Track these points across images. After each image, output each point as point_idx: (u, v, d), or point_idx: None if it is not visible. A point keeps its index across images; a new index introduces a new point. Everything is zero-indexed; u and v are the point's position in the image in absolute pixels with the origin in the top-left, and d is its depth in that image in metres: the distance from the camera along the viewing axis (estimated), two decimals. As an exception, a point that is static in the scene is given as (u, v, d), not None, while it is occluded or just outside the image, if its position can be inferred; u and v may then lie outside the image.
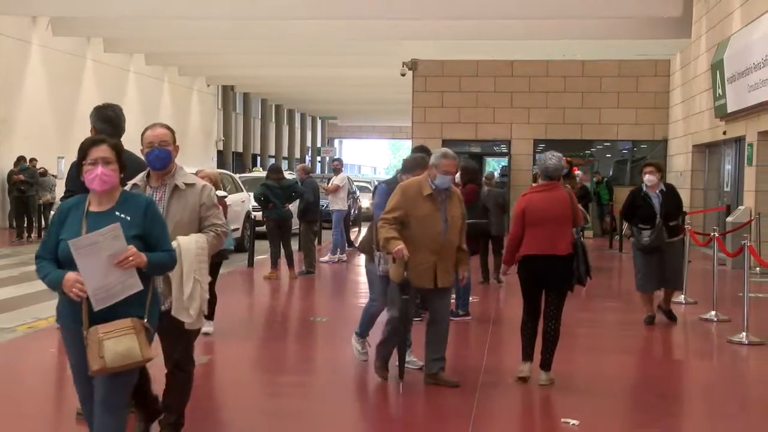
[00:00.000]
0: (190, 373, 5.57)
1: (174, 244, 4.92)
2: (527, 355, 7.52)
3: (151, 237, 4.50)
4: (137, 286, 4.37)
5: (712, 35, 19.88)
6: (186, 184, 5.29)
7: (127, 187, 5.14)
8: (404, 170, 8.00)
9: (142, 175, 5.36)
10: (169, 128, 5.40)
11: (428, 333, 7.40)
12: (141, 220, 4.48)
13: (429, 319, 7.52)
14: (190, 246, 5.12)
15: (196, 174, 8.71)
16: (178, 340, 5.33)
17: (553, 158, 7.51)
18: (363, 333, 8.21)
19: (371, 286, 8.10)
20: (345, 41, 26.21)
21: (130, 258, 4.31)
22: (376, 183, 11.92)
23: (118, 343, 4.30)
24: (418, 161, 7.87)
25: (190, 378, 5.61)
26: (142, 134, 5.32)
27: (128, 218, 4.45)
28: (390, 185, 7.87)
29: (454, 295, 10.75)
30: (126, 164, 4.70)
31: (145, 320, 4.46)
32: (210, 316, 9.01)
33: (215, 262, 8.68)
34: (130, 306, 4.39)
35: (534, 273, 7.38)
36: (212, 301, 8.96)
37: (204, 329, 8.46)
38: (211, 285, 8.72)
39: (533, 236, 7.32)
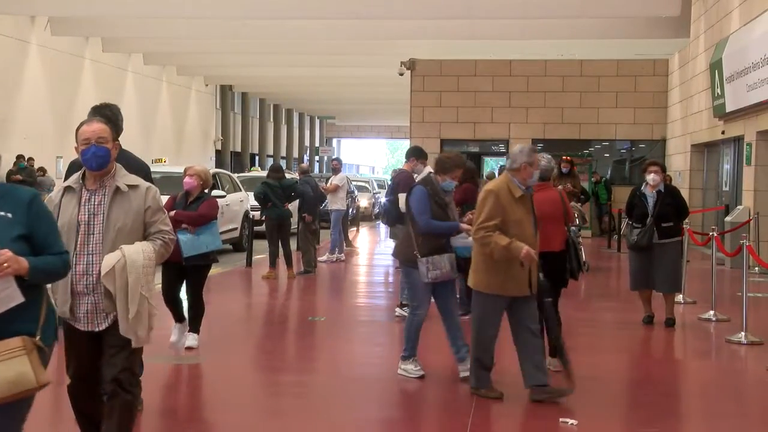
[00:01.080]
0: (134, 396, 4.78)
1: (117, 254, 4.53)
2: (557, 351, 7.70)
3: (37, 237, 3.83)
4: (16, 298, 3.67)
5: (710, 35, 19.88)
6: (129, 186, 4.75)
7: (57, 190, 4.75)
8: (442, 170, 7.52)
9: (76, 176, 4.79)
10: (107, 123, 4.85)
11: (520, 344, 6.90)
12: (24, 218, 3.80)
13: (518, 329, 6.88)
14: (136, 257, 4.56)
15: (185, 171, 8.54)
16: (121, 355, 4.67)
17: (543, 159, 7.76)
18: (412, 352, 7.62)
19: (414, 294, 7.62)
20: (343, 41, 26.20)
21: (4, 264, 3.61)
22: (391, 182, 11.60)
23: (6, 368, 3.65)
24: (456, 161, 7.55)
25: (134, 402, 4.80)
26: (77, 130, 4.77)
27: (9, 215, 3.77)
28: (428, 186, 7.47)
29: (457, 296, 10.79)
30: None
31: (38, 338, 3.80)
32: (195, 329, 8.59)
33: (202, 265, 8.44)
34: (17, 322, 3.73)
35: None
36: (199, 313, 8.59)
37: (188, 342, 8.38)
38: (198, 294, 8.54)
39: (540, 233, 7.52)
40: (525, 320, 6.82)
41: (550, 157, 7.97)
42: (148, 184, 4.88)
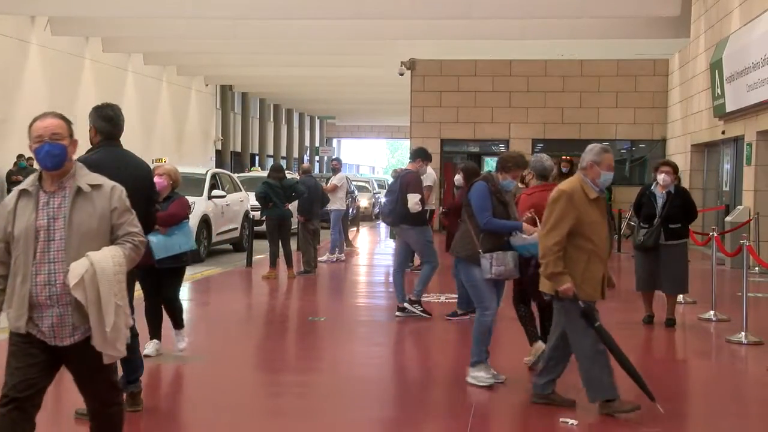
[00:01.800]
0: (119, 405, 4.61)
1: (84, 263, 4.16)
2: (535, 337, 7.85)
3: None
4: None
5: (710, 35, 19.88)
6: (91, 186, 4.35)
7: (12, 194, 4.38)
8: (504, 169, 7.38)
9: (32, 178, 4.41)
10: (63, 118, 4.42)
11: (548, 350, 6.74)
12: None
13: (558, 335, 6.72)
14: (105, 264, 4.19)
15: (153, 171, 8.02)
16: (98, 374, 4.37)
17: (548, 160, 7.93)
18: (483, 357, 7.32)
19: (478, 294, 7.29)
20: (343, 41, 26.20)
21: None
22: (394, 181, 11.46)
23: None
24: (518, 161, 7.42)
25: (121, 410, 4.64)
26: (30, 126, 4.40)
27: None
28: (489, 182, 7.31)
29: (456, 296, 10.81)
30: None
31: None
32: (179, 324, 8.37)
33: (176, 267, 8.11)
34: None
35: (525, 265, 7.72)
36: (176, 314, 8.31)
37: (179, 345, 8.24)
38: (174, 297, 8.26)
39: None
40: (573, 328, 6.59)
41: (548, 157, 8.06)
42: (113, 183, 4.48)
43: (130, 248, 4.35)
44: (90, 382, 4.40)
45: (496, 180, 7.38)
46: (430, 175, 14.25)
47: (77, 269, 4.15)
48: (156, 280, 8.05)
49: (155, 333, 8.23)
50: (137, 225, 4.46)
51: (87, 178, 4.40)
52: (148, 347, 8.11)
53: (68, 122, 4.41)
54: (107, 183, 4.43)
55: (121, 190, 4.44)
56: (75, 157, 4.50)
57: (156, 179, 7.85)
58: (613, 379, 6.47)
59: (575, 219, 6.36)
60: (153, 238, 7.64)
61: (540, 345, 7.78)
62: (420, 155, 10.98)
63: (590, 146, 6.71)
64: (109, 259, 4.21)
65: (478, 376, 7.26)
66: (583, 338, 6.51)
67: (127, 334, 4.30)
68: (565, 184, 6.59)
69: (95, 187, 4.37)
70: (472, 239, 7.19)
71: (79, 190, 4.33)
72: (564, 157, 17.94)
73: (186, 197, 8.46)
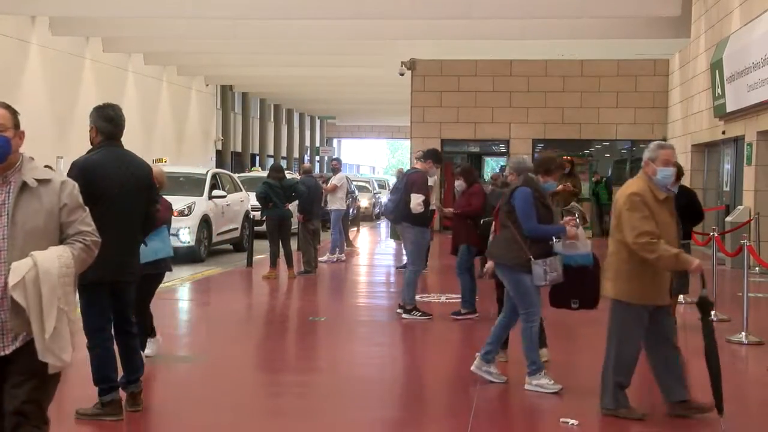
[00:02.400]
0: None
1: (28, 262, 3.80)
2: (542, 344, 7.80)
3: None
4: None
5: (711, 35, 19.88)
6: (38, 181, 3.98)
7: None
8: (546, 172, 7.28)
9: None
10: (8, 107, 4.10)
11: (659, 357, 6.51)
12: None
13: (656, 341, 6.52)
14: (50, 265, 3.83)
15: None
16: (28, 384, 3.93)
17: (529, 161, 8.01)
18: (540, 364, 7.20)
19: (526, 300, 7.10)
20: (344, 41, 26.19)
21: None
22: (400, 179, 11.43)
23: None
24: (560, 162, 7.35)
25: None
26: None
27: None
28: (533, 187, 7.14)
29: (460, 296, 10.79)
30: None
31: None
32: (151, 333, 8.06)
33: (153, 274, 7.67)
34: None
35: None
36: (145, 323, 7.84)
37: (146, 351, 7.76)
38: (144, 305, 7.75)
39: None
40: (666, 332, 6.48)
41: (528, 158, 8.19)
42: (63, 177, 4.11)
43: (80, 248, 3.99)
44: (15, 394, 3.91)
45: (538, 182, 7.23)
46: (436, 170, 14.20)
47: (19, 269, 3.81)
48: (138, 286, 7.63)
49: (148, 332, 8.01)
50: (90, 223, 4.08)
51: (34, 172, 4.02)
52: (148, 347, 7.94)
53: (14, 112, 4.10)
54: (57, 178, 4.06)
55: (72, 186, 4.07)
56: (76, 157, 4.39)
57: None
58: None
59: (654, 220, 6.21)
60: None
61: (544, 352, 7.78)
62: (431, 157, 10.88)
63: (651, 144, 6.63)
64: (55, 260, 3.86)
65: (541, 383, 7.09)
66: (629, 345, 6.44)
67: (72, 343, 3.91)
68: (634, 187, 6.41)
69: (43, 182, 3.99)
70: (521, 246, 7.00)
71: (24, 185, 3.95)
72: (564, 157, 17.96)
73: (167, 199, 8.10)
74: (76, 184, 4.13)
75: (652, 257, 6.12)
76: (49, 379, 3.98)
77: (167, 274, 8.23)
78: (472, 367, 7.35)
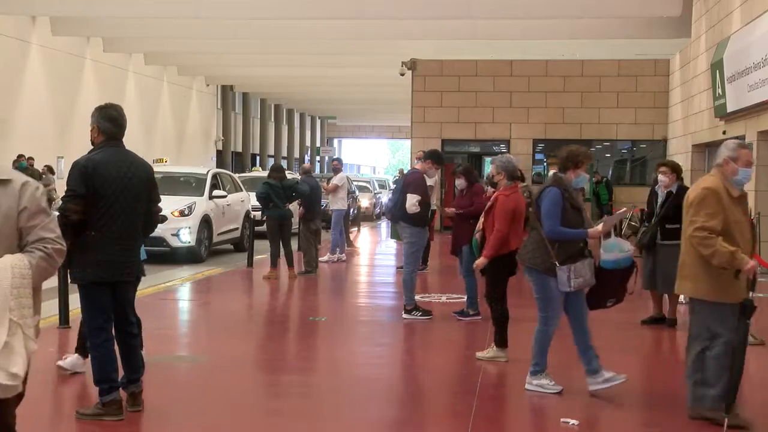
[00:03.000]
0: None
1: None
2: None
3: None
4: None
5: (711, 35, 19.88)
6: None
7: None
8: (574, 165, 7.02)
9: None
10: None
11: (708, 359, 6.34)
12: None
13: (722, 342, 6.33)
14: (2, 276, 3.56)
15: None
16: None
17: (516, 161, 8.18)
18: (545, 366, 7.12)
19: (547, 305, 6.97)
20: (344, 41, 26.22)
21: None
22: (400, 179, 11.40)
23: None
24: (587, 153, 7.05)
25: None
26: None
27: None
28: (562, 187, 6.91)
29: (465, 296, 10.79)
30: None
31: None
32: (83, 352, 7.30)
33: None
34: None
35: (511, 266, 8.12)
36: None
37: (61, 361, 7.30)
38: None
39: (516, 233, 8.13)
40: (733, 333, 6.28)
41: (514, 157, 8.34)
42: (25, 178, 3.78)
43: (40, 257, 3.66)
44: None
45: (567, 182, 6.99)
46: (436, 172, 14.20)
47: None
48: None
49: (82, 348, 7.34)
50: (53, 229, 3.76)
51: None
52: (67, 360, 7.44)
53: None
54: (18, 179, 3.74)
55: (35, 188, 3.76)
56: (77, 156, 4.19)
57: None
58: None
59: (722, 217, 6.10)
60: None
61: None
62: (431, 157, 10.85)
63: (726, 142, 6.50)
64: (8, 269, 3.56)
65: (542, 383, 7.05)
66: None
67: (24, 357, 3.62)
68: (708, 182, 6.27)
69: (2, 182, 3.70)
70: (548, 249, 6.82)
71: None
72: None
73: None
74: (41, 186, 3.83)
75: (707, 252, 6.05)
76: (7, 401, 3.68)
77: (166, 274, 8.21)
78: (526, 385, 7.16)
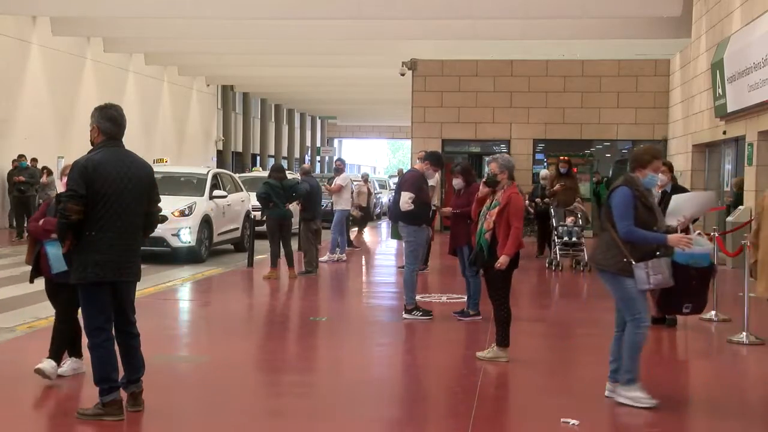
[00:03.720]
0: None
1: None
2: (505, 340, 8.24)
3: None
4: None
5: (711, 35, 19.88)
6: None
7: None
8: (641, 165, 6.83)
9: None
10: None
11: None
12: None
13: None
14: None
15: (62, 172, 7.10)
16: None
17: (512, 159, 8.39)
18: (638, 373, 6.76)
19: (631, 306, 6.71)
20: (344, 41, 26.22)
21: None
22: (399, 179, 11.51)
23: None
24: (653, 152, 6.94)
25: None
26: None
27: None
28: (633, 187, 6.73)
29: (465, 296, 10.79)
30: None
31: None
32: (76, 353, 7.36)
33: (59, 283, 6.98)
34: None
35: (516, 263, 8.29)
36: (63, 339, 7.24)
37: (60, 369, 7.22)
38: (71, 316, 7.24)
39: (519, 231, 8.28)
40: None
41: (509, 156, 8.62)
42: None
43: None
44: None
45: (638, 181, 6.81)
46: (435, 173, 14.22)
47: None
48: (54, 292, 7.28)
49: (73, 350, 7.38)
50: None
51: None
52: (65, 366, 7.33)
53: None
54: None
55: None
56: (77, 156, 4.30)
57: (64, 180, 6.62)
58: None
59: None
60: (51, 249, 6.95)
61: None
62: (429, 159, 10.91)
63: None
64: None
65: (635, 396, 6.71)
66: None
67: None
68: None
69: None
70: (620, 249, 6.63)
71: None
72: (561, 157, 17.99)
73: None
74: None
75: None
76: None
77: (166, 274, 8.22)
78: (607, 393, 6.91)
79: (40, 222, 7.14)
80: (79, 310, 6.82)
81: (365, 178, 26.18)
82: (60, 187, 6.87)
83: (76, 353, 7.38)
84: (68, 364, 7.37)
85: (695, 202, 8.87)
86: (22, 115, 25.46)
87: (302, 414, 6.67)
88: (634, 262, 6.55)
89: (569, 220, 15.89)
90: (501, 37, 23.66)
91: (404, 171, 13.41)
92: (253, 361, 8.68)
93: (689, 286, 6.71)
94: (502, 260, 8.12)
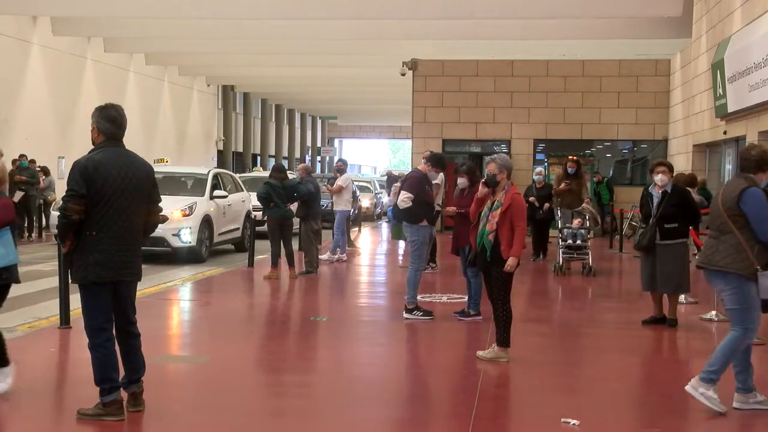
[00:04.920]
0: None
1: None
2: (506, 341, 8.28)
3: None
4: None
5: (712, 35, 19.88)
6: None
7: None
8: (758, 169, 6.62)
9: None
10: None
11: None
12: None
13: None
14: None
15: None
16: None
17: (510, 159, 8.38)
18: (719, 377, 6.62)
19: (747, 314, 6.55)
20: (345, 41, 26.23)
21: None
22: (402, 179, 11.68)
23: None
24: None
25: None
26: None
27: None
28: (759, 187, 6.51)
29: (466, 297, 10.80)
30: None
31: None
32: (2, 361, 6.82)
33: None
34: None
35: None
36: None
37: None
38: None
39: (523, 232, 8.30)
40: None
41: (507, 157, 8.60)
42: None
43: None
44: None
45: (759, 182, 6.61)
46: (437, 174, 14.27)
47: None
48: None
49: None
50: None
51: None
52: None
53: None
54: None
55: None
56: (78, 156, 4.28)
57: None
58: None
59: None
60: None
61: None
62: (431, 160, 11.15)
63: None
64: None
65: (709, 395, 6.59)
66: None
67: None
68: None
69: None
70: (747, 253, 6.42)
71: None
72: (570, 157, 17.83)
73: (9, 198, 6.93)
74: None
75: None
76: None
77: (167, 274, 8.20)
78: (689, 388, 6.74)
79: None
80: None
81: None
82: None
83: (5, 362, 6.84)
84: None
85: None
86: (23, 115, 25.46)
87: (302, 414, 6.67)
88: (760, 269, 6.39)
89: (576, 222, 15.51)
90: (501, 37, 23.66)
91: (392, 172, 13.52)
92: (253, 361, 8.68)
93: None
94: (511, 262, 8.10)
